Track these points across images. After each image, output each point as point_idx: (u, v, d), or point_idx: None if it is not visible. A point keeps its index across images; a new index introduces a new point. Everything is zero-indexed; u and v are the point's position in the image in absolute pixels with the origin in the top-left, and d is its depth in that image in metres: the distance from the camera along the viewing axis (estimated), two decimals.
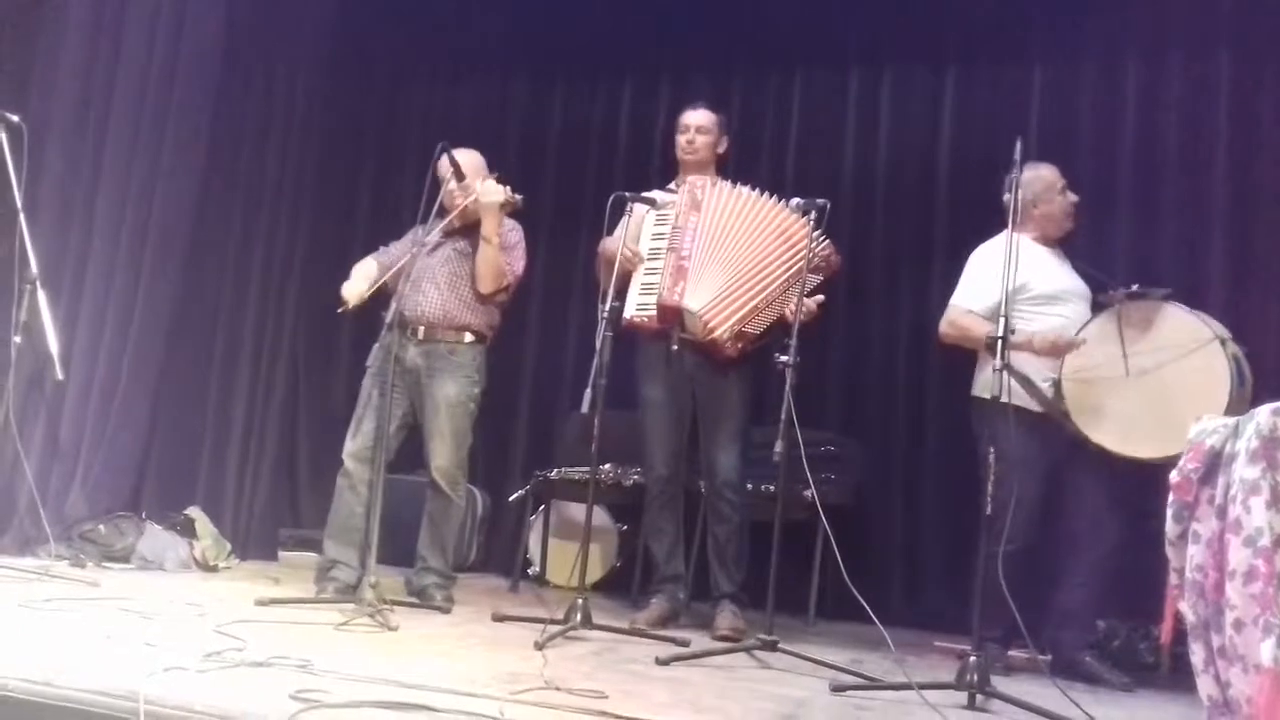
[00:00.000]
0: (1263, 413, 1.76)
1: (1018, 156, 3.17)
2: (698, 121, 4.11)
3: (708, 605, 4.00)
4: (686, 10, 5.43)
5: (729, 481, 3.94)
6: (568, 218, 5.45)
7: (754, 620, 3.67)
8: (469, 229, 4.02)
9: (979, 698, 2.87)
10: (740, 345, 3.80)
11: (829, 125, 5.37)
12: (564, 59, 5.79)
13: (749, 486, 4.09)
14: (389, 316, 3.76)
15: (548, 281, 5.52)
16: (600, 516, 5.03)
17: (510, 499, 5.28)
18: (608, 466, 4.87)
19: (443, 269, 4.02)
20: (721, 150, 4.14)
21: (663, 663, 3.10)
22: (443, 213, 4.00)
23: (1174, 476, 1.97)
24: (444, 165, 3.98)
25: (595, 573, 4.93)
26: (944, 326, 3.74)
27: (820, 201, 3.57)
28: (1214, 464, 1.91)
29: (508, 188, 3.91)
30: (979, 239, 3.81)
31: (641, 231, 4.00)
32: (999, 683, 2.97)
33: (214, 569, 4.52)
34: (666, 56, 5.64)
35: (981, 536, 3.00)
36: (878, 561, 4.94)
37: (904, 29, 5.27)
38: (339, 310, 3.96)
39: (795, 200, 3.71)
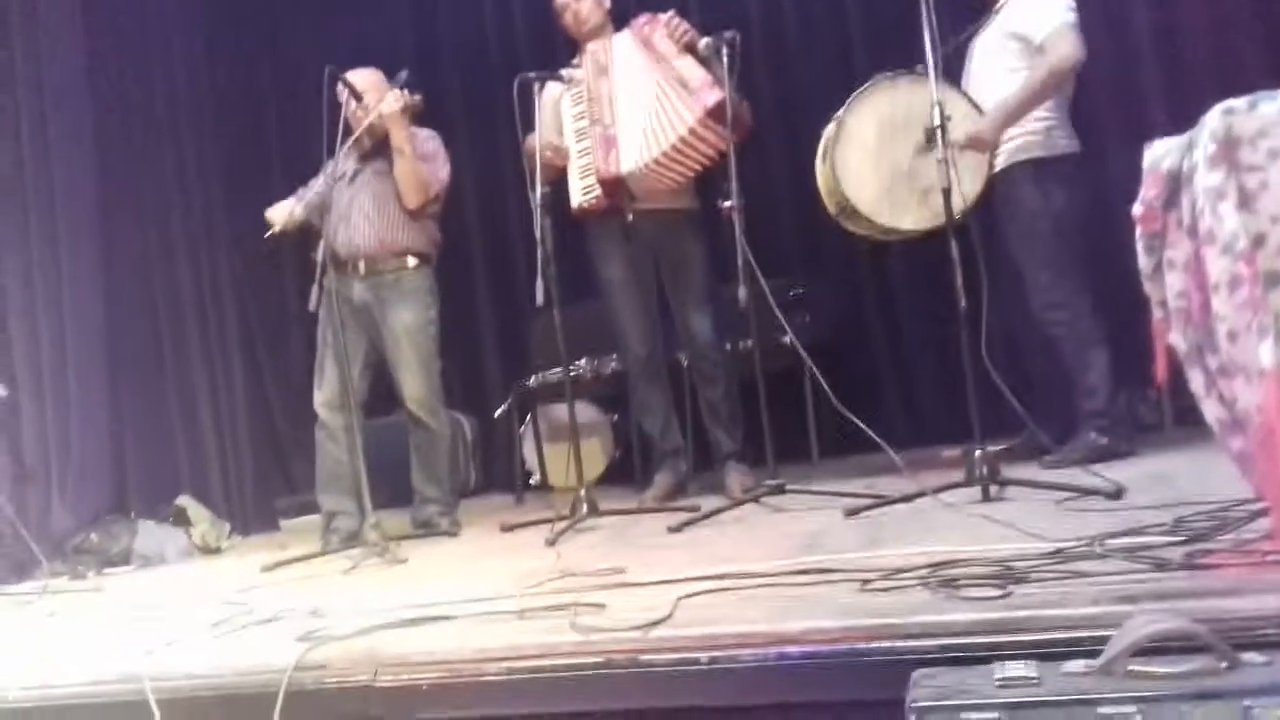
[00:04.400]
0: (1212, 117, 1.67)
1: None
2: None
3: (713, 472, 3.97)
4: None
5: (709, 342, 3.89)
6: (483, 115, 5.26)
7: (761, 476, 3.63)
8: (382, 149, 3.86)
9: (992, 489, 2.85)
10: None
11: None
12: None
13: (727, 347, 4.03)
14: (320, 255, 3.63)
15: (479, 186, 5.37)
16: (588, 411, 4.98)
17: (496, 415, 5.20)
18: (583, 361, 4.81)
19: (366, 194, 3.87)
20: (608, 5, 3.95)
21: (675, 530, 3.07)
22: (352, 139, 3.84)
23: (1136, 209, 1.89)
24: (340, 91, 3.81)
25: (596, 468, 4.89)
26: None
27: (729, 34, 3.41)
28: (1174, 186, 1.82)
29: (405, 90, 3.74)
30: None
31: (561, 118, 3.86)
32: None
33: (217, 551, 4.46)
34: None
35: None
36: (869, 392, 4.88)
37: None
38: (265, 236, 3.83)
39: (705, 40, 3.56)
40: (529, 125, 3.69)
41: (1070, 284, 3.49)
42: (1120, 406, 3.65)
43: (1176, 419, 4.09)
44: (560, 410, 4.92)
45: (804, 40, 5.07)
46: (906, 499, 2.91)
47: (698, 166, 3.68)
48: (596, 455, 4.96)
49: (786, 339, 4.43)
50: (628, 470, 4.81)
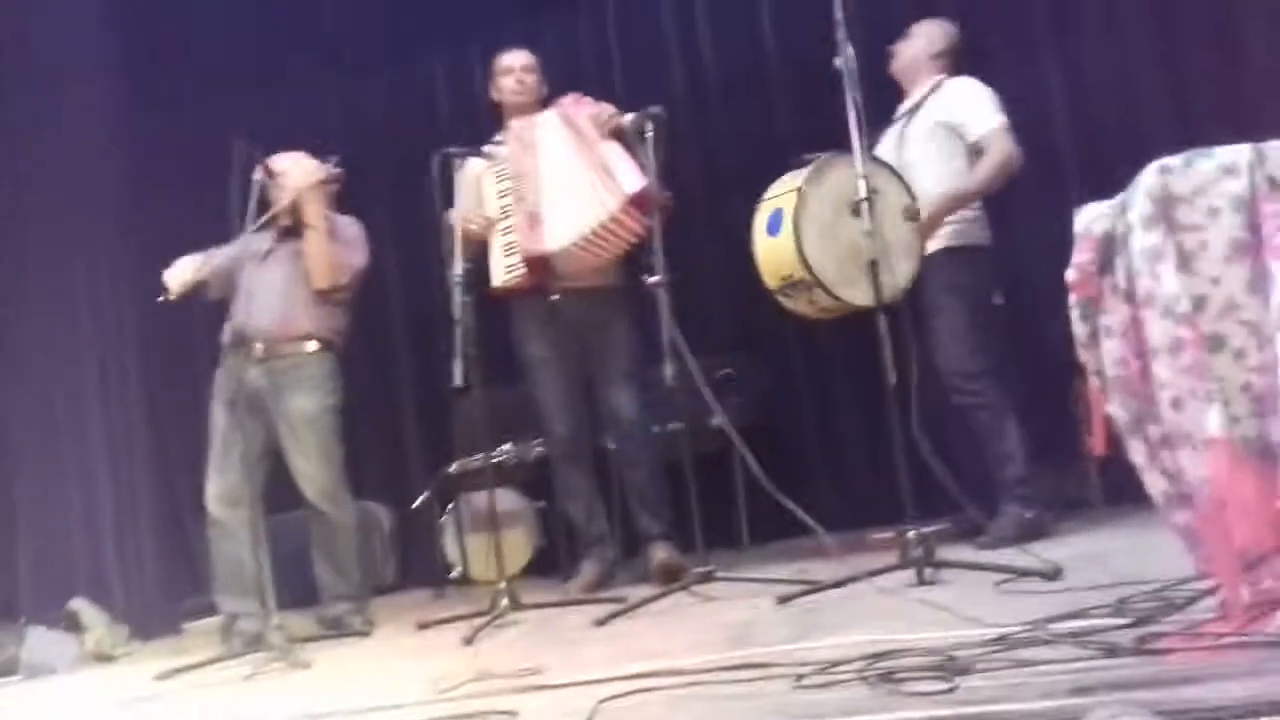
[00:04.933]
0: (1148, 175, 1.62)
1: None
2: (522, 61, 3.90)
3: (641, 559, 3.81)
4: None
5: (632, 421, 3.78)
6: (405, 193, 5.10)
7: (690, 562, 3.48)
8: (300, 228, 3.71)
9: (927, 571, 2.75)
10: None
11: (649, 39, 5.16)
12: (377, 44, 5.48)
13: (655, 429, 3.90)
14: (225, 336, 3.45)
15: (400, 266, 5.23)
16: (513, 499, 4.79)
17: (415, 505, 4.98)
18: (508, 446, 4.64)
19: (277, 272, 3.72)
20: (544, 92, 3.91)
21: (600, 623, 2.91)
22: (272, 219, 3.70)
23: (1070, 275, 1.83)
24: (256, 169, 3.66)
25: (521, 558, 4.68)
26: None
27: (654, 110, 3.36)
28: (1108, 249, 1.76)
29: (324, 162, 3.63)
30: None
31: (483, 195, 3.77)
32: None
33: (112, 659, 4.16)
34: (476, 16, 5.33)
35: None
36: (799, 474, 4.75)
37: None
38: (159, 299, 3.65)
39: (629, 116, 3.50)
40: (448, 202, 3.59)
41: (984, 358, 3.56)
42: (1046, 481, 3.68)
43: (1107, 498, 4.06)
44: (484, 499, 4.73)
45: (729, 114, 5.06)
46: (839, 584, 2.80)
47: (621, 249, 3.61)
48: (521, 545, 4.75)
49: (715, 420, 4.38)
50: (554, 560, 4.61)
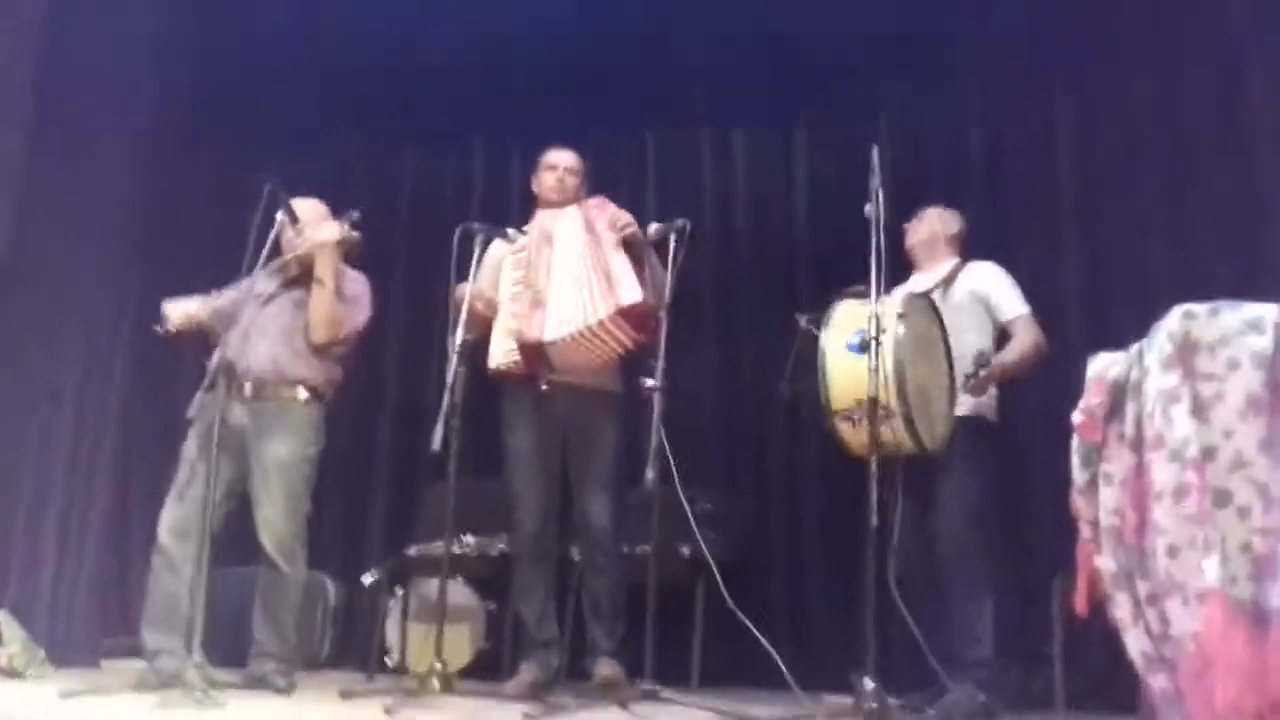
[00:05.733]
0: (1172, 319, 1.61)
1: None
2: (567, 162, 3.95)
3: (586, 680, 3.65)
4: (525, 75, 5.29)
5: (604, 529, 3.67)
6: (423, 276, 5.15)
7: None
8: (306, 278, 3.72)
9: None
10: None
11: (684, 182, 5.27)
12: (413, 123, 5.58)
13: (625, 549, 3.81)
14: (212, 365, 3.40)
15: (405, 343, 5.20)
16: (465, 594, 4.64)
17: (365, 581, 4.82)
18: (470, 538, 4.53)
19: (275, 320, 3.70)
20: (582, 196, 3.97)
21: (529, 717, 2.76)
22: (283, 264, 3.71)
23: (1077, 417, 1.80)
24: (278, 212, 3.68)
25: (462, 656, 4.50)
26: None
27: (680, 222, 3.43)
28: (1119, 396, 1.74)
29: (345, 225, 3.64)
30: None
31: (501, 278, 3.78)
32: None
33: (21, 677, 3.95)
34: (515, 122, 5.46)
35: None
36: (764, 623, 4.64)
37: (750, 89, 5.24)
38: (156, 328, 3.61)
39: (654, 225, 3.55)
40: (464, 275, 3.60)
41: (984, 533, 3.52)
42: (1010, 675, 3.63)
43: (1069, 701, 3.95)
44: (435, 587, 4.58)
45: (751, 241, 5.15)
46: None
47: (610, 355, 3.59)
48: (464, 643, 4.58)
49: (685, 550, 4.28)
50: (497, 665, 4.44)
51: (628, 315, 3.44)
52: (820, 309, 3.34)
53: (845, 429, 3.19)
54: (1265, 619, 1.44)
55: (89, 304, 4.83)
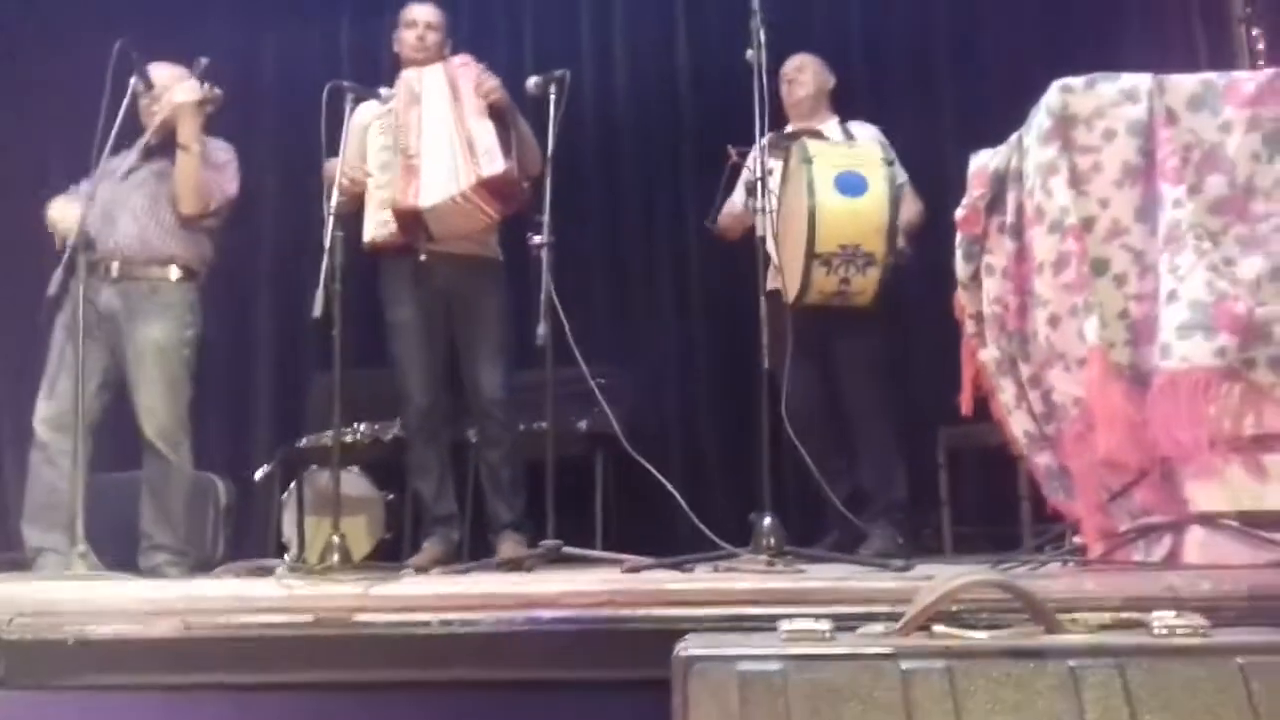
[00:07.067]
0: (1050, 93, 1.60)
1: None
2: (427, 17, 3.77)
3: (489, 554, 3.62)
4: None
5: (495, 399, 3.61)
6: (294, 150, 4.91)
7: None
8: (168, 147, 3.51)
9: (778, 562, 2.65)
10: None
11: (563, 32, 5.12)
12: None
13: (521, 428, 3.76)
14: (70, 245, 3.21)
15: (277, 224, 4.99)
16: (361, 484, 4.57)
17: (256, 477, 4.69)
18: (362, 425, 4.43)
19: (140, 193, 3.50)
20: (447, 52, 3.81)
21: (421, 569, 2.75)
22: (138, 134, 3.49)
23: (959, 212, 1.80)
24: (134, 79, 3.45)
25: (362, 547, 4.42)
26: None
27: (559, 73, 3.32)
28: (999, 186, 1.75)
29: (206, 84, 3.44)
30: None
31: (367, 147, 3.63)
32: None
33: None
34: None
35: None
36: (658, 494, 4.69)
37: None
38: (58, 250, 3.35)
39: (532, 79, 3.43)
40: (334, 138, 3.44)
41: (892, 387, 3.62)
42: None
43: (956, 546, 4.13)
44: (329, 478, 4.48)
45: (633, 83, 5.06)
46: (690, 560, 2.69)
47: (477, 224, 3.50)
48: (363, 533, 4.51)
49: (582, 424, 4.26)
50: (397, 554, 4.39)
51: (489, 186, 3.36)
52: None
53: (818, 275, 2.95)
54: (1143, 379, 1.47)
55: None
